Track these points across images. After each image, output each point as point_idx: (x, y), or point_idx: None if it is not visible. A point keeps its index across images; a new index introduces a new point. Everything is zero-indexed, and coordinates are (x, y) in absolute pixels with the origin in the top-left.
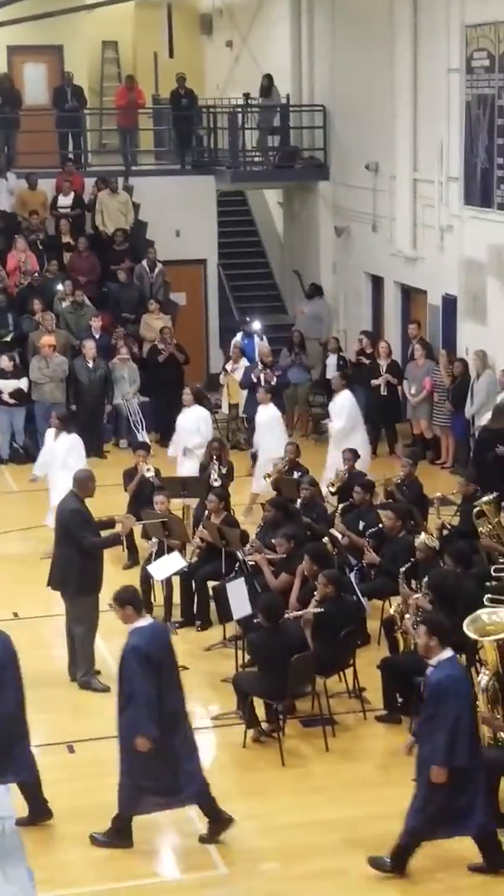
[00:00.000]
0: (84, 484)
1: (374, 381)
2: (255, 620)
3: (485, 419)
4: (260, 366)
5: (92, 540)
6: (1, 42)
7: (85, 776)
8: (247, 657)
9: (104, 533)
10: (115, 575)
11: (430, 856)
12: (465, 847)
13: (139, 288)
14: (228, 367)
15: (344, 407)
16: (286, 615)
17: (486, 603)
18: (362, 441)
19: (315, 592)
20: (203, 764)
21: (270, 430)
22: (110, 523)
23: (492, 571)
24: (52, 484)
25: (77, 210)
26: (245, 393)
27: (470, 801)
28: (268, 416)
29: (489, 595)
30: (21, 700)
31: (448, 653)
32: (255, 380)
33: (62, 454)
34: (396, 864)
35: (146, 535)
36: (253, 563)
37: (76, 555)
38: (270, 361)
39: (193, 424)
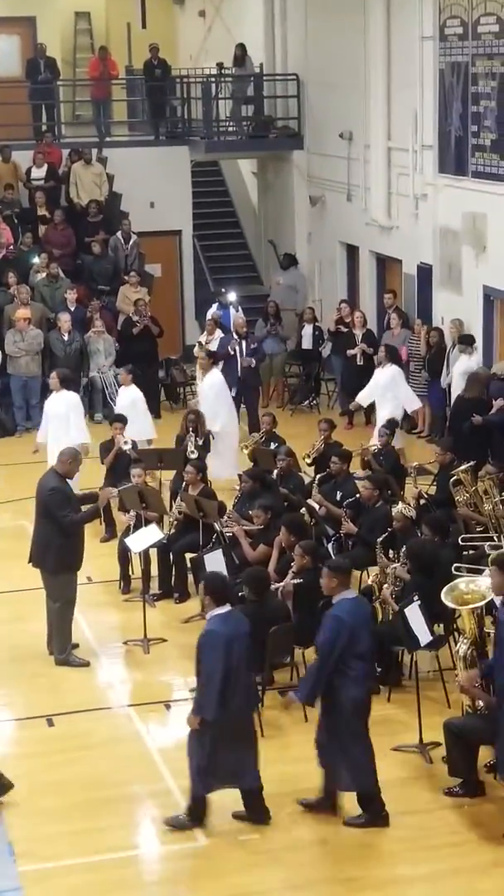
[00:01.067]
0: (66, 462)
1: (350, 351)
2: (240, 594)
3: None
4: (235, 337)
5: (72, 517)
6: None
7: (64, 749)
8: None
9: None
10: (92, 548)
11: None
12: (460, 811)
13: (114, 260)
14: (203, 338)
15: (214, 386)
16: None
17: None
18: (229, 412)
19: (292, 563)
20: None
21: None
22: (92, 497)
23: (463, 540)
24: None
25: (51, 182)
26: (220, 365)
27: (241, 758)
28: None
29: (462, 564)
30: None
31: (220, 609)
32: (230, 351)
33: None
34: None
35: (124, 508)
36: (230, 534)
37: (56, 532)
38: (246, 332)
39: (64, 410)
